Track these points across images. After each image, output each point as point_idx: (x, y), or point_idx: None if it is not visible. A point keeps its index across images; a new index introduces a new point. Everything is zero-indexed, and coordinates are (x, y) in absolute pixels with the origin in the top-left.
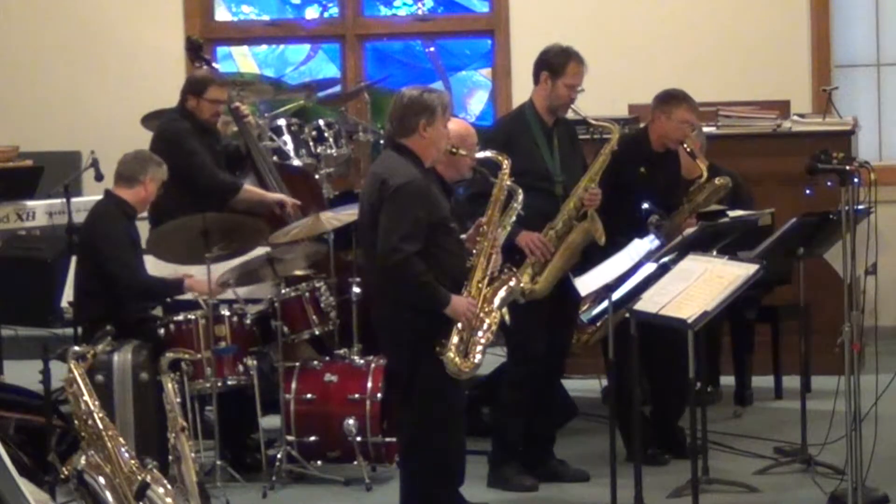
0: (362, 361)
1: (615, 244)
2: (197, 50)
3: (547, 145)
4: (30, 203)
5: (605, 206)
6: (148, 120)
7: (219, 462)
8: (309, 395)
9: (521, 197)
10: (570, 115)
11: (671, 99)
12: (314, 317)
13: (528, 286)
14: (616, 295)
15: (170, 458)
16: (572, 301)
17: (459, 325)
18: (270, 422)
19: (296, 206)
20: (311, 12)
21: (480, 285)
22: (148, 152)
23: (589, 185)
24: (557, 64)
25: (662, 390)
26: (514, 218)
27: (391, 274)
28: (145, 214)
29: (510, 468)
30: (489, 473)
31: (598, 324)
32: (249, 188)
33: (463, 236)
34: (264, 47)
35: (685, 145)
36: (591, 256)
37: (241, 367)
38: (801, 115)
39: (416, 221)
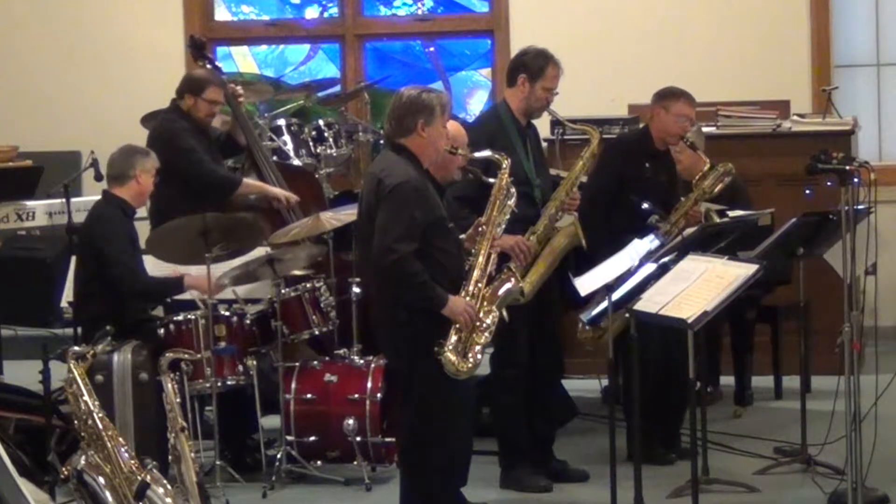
0: (362, 361)
1: (622, 242)
2: (200, 48)
3: (522, 148)
4: (30, 203)
5: (611, 203)
6: (147, 120)
7: (219, 462)
8: (309, 395)
9: (514, 196)
10: (546, 117)
11: (669, 94)
12: (314, 317)
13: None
14: (616, 295)
15: (170, 458)
16: (557, 301)
17: (457, 324)
18: (270, 422)
19: (296, 201)
20: (311, 12)
21: (479, 285)
22: (132, 146)
23: (570, 189)
24: (536, 67)
25: (666, 392)
26: (508, 216)
27: (387, 274)
28: (145, 214)
29: (522, 469)
30: (501, 475)
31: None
32: (249, 182)
33: (462, 236)
34: (264, 47)
35: (686, 139)
36: (591, 256)
37: (240, 367)
38: (801, 115)
39: (412, 221)
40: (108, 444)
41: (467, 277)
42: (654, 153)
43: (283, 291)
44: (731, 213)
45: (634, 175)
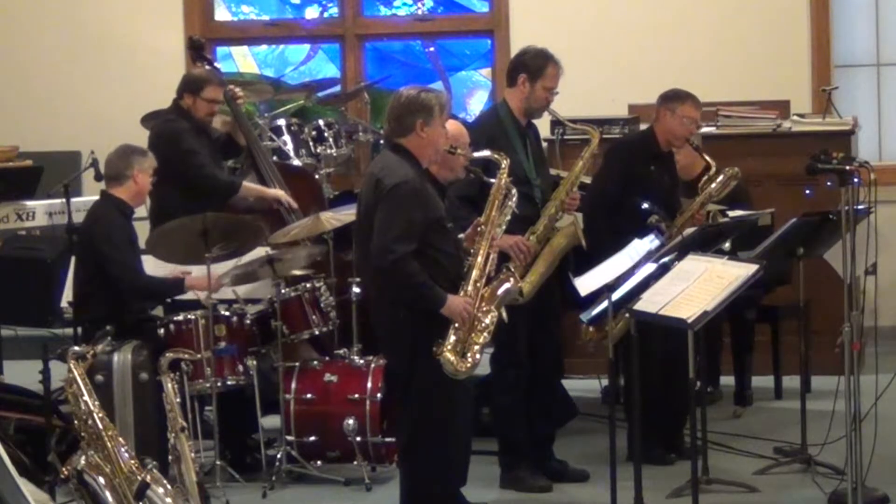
0: (362, 361)
1: (626, 244)
2: (199, 49)
3: (522, 148)
4: (30, 203)
5: (615, 205)
6: (147, 120)
7: (219, 462)
8: (309, 395)
9: (515, 196)
10: (546, 117)
11: (675, 96)
12: (314, 317)
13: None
14: (616, 295)
15: (170, 458)
16: (556, 301)
17: (456, 324)
18: (270, 422)
19: (293, 204)
20: (311, 12)
21: (478, 284)
22: (129, 145)
23: (570, 189)
24: (536, 67)
25: (669, 393)
26: (508, 217)
27: (386, 274)
28: (145, 214)
29: (523, 469)
30: (501, 475)
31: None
32: (248, 185)
33: (461, 236)
34: (264, 47)
35: (691, 141)
36: (592, 257)
37: (240, 367)
38: (801, 115)
39: (410, 222)
40: (108, 444)
41: (466, 277)
42: (658, 155)
43: (283, 291)
44: (732, 213)
45: (639, 177)
